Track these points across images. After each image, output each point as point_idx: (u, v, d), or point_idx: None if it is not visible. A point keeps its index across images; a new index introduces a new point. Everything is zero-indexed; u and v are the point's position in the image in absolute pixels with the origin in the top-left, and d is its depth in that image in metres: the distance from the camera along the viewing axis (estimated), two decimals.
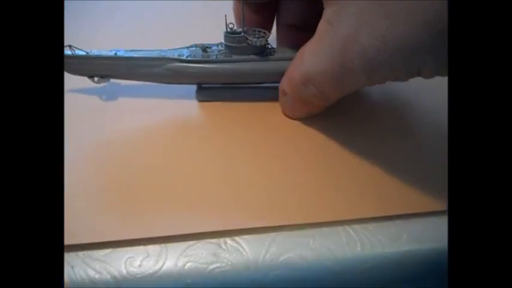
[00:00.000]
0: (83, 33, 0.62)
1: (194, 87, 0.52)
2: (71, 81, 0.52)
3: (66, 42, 0.50)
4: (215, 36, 0.50)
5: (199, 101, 0.52)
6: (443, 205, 0.43)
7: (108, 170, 0.46)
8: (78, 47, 0.49)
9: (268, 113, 0.51)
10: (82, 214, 0.42)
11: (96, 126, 0.50)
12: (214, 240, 0.41)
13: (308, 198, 0.44)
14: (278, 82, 0.50)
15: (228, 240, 0.41)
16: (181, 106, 0.52)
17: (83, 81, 0.51)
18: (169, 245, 0.40)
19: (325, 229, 0.42)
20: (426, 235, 0.42)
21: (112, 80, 0.52)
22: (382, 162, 0.47)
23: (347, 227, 0.42)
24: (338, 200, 0.44)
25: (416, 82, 0.48)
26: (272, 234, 0.41)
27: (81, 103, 0.53)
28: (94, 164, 0.46)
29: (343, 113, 0.52)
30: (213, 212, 0.42)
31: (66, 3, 0.66)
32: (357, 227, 0.42)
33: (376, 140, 0.49)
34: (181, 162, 0.47)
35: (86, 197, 0.43)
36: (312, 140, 0.49)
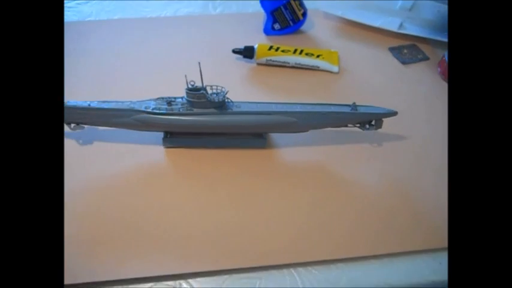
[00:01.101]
0: (66, 83, 0.67)
1: (161, 134, 0.56)
2: None
3: None
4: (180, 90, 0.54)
5: (166, 147, 0.57)
6: (382, 249, 0.48)
7: (77, 215, 0.50)
8: None
9: (229, 159, 0.56)
10: None
11: (72, 170, 0.54)
12: (170, 283, 0.45)
13: (259, 243, 0.48)
14: (237, 132, 0.55)
15: (183, 283, 0.45)
16: (149, 152, 0.57)
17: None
18: (131, 287, 0.45)
19: (272, 271, 0.47)
20: (365, 278, 0.46)
21: (87, 126, 0.57)
22: (329, 210, 0.51)
23: (292, 270, 0.46)
24: (287, 243, 0.48)
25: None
26: (224, 277, 0.46)
27: None
28: (66, 209, 0.50)
29: (307, 163, 0.57)
30: (171, 255, 0.47)
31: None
32: (301, 269, 0.47)
33: (324, 188, 0.53)
34: (147, 206, 0.51)
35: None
36: (265, 186, 0.53)
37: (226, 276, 0.45)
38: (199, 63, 0.50)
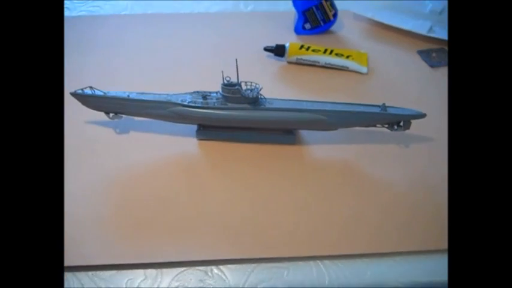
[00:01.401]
0: (106, 74, 0.70)
1: (195, 126, 0.58)
2: (92, 115, 0.60)
3: (83, 82, 0.58)
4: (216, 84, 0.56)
5: (199, 139, 0.59)
6: (407, 246, 0.49)
7: (115, 200, 0.53)
8: (97, 88, 0.57)
9: (258, 153, 0.58)
10: (91, 239, 0.49)
11: (109, 158, 0.57)
12: (202, 268, 0.47)
13: (288, 235, 0.50)
14: (268, 128, 0.57)
15: (214, 269, 0.47)
16: (183, 143, 0.59)
17: (102, 115, 0.59)
18: (164, 270, 0.47)
19: (299, 263, 0.48)
20: (389, 273, 0.48)
21: (125, 116, 0.59)
22: (355, 207, 0.53)
23: (319, 262, 0.48)
24: (314, 237, 0.50)
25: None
26: (253, 265, 0.48)
27: (98, 135, 0.60)
28: (104, 195, 0.54)
29: (334, 161, 0.58)
30: (203, 242, 0.49)
31: (95, 49, 0.75)
32: (327, 262, 0.48)
33: (350, 186, 0.55)
34: (180, 195, 0.53)
35: (94, 224, 0.50)
36: (293, 180, 0.55)
37: (255, 265, 0.47)
38: (236, 59, 0.52)
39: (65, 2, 0.87)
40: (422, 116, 0.55)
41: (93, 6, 0.87)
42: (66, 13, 0.85)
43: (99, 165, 0.56)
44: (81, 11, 0.86)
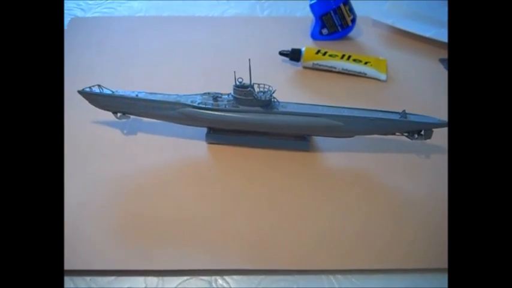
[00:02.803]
0: (118, 75, 0.69)
1: (205, 129, 0.56)
2: (99, 114, 0.58)
3: (95, 82, 0.56)
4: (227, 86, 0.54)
5: (209, 143, 0.57)
6: (424, 263, 0.46)
7: (118, 204, 0.51)
8: (106, 87, 0.55)
9: (270, 160, 0.55)
10: (90, 242, 0.46)
11: (115, 159, 0.55)
12: (206, 278, 0.44)
13: (297, 246, 0.47)
14: (280, 133, 0.55)
15: (219, 279, 0.44)
16: (191, 146, 0.57)
17: (110, 115, 0.57)
18: (166, 278, 0.44)
19: (310, 276, 0.45)
20: None
21: (133, 116, 0.58)
22: (370, 219, 0.49)
23: (331, 276, 0.45)
24: (326, 249, 0.46)
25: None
26: (260, 277, 0.45)
27: (105, 135, 0.58)
28: (108, 197, 0.51)
29: (349, 170, 0.55)
30: (208, 250, 0.46)
31: (108, 50, 0.74)
32: (340, 277, 0.45)
33: (366, 197, 0.52)
34: (187, 201, 0.51)
35: (94, 227, 0.48)
36: (305, 190, 0.52)
37: (262, 277, 0.44)
38: (249, 59, 0.50)
39: (80, 3, 0.87)
40: (445, 124, 0.52)
41: (108, 7, 0.86)
42: (81, 14, 0.84)
43: (103, 167, 0.54)
44: (95, 12, 0.85)
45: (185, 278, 0.44)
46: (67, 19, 0.82)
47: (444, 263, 0.45)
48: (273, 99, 0.52)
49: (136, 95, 0.55)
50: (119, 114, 0.57)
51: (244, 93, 0.51)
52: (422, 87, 0.67)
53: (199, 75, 0.68)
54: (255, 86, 0.52)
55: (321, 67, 0.68)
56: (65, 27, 0.79)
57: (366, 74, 0.68)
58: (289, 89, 0.67)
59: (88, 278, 0.44)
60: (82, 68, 0.69)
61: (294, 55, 0.69)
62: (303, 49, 0.69)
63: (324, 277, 0.45)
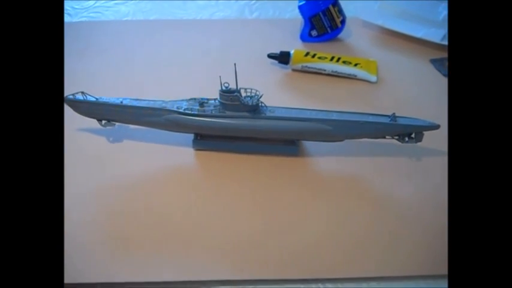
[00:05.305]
0: (104, 81, 0.68)
1: (192, 135, 0.55)
2: (83, 122, 0.57)
3: (80, 88, 0.55)
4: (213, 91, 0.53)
5: (196, 149, 0.55)
6: (416, 270, 0.45)
7: (105, 214, 0.49)
8: (89, 94, 0.54)
9: (259, 165, 0.54)
10: (79, 256, 0.45)
11: (100, 168, 0.54)
12: None
13: (289, 254, 0.46)
14: (269, 138, 0.53)
15: None
16: (178, 153, 0.55)
17: (95, 123, 0.56)
18: None
19: (299, 285, 0.44)
20: None
21: (119, 124, 0.56)
22: (361, 225, 0.48)
23: (320, 285, 0.44)
24: (316, 257, 0.45)
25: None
26: (248, 287, 0.44)
27: (89, 143, 0.57)
28: (96, 209, 0.50)
29: (340, 175, 0.54)
30: (199, 261, 0.45)
31: (94, 55, 0.73)
32: (329, 285, 0.44)
33: (356, 202, 0.51)
34: (175, 209, 0.50)
35: (83, 240, 0.46)
36: (294, 196, 0.51)
37: (250, 287, 0.43)
38: (234, 64, 0.48)
39: (66, 7, 0.86)
40: (435, 127, 0.51)
41: (95, 12, 0.85)
42: (68, 19, 0.83)
43: (89, 176, 0.53)
44: (82, 16, 0.84)
45: None
46: None
47: (435, 269, 0.45)
48: (260, 104, 0.51)
49: (121, 102, 0.54)
50: (103, 122, 0.55)
51: (230, 98, 0.50)
52: (414, 89, 0.66)
53: (187, 80, 0.67)
54: (242, 91, 0.51)
55: (310, 69, 0.67)
56: None
57: (356, 76, 0.67)
58: (278, 92, 0.66)
59: None
60: (67, 73, 0.67)
61: (283, 58, 0.68)
62: (292, 51, 0.68)
63: (313, 286, 0.44)
